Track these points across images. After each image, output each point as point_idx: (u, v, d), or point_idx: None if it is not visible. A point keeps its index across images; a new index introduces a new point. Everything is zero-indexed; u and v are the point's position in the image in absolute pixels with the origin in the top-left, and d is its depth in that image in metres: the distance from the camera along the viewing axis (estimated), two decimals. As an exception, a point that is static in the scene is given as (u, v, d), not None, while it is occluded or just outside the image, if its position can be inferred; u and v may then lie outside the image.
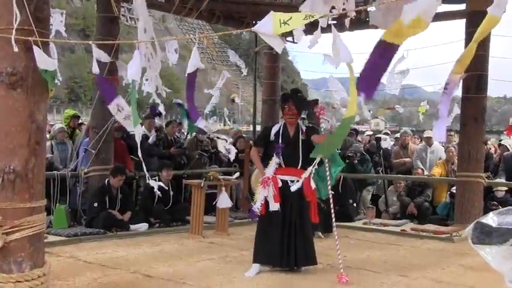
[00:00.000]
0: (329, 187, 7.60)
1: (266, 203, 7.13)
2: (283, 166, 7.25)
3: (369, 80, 4.79)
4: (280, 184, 7.16)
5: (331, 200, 7.44)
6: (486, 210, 9.99)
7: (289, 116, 7.37)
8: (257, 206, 7.19)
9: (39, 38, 4.66)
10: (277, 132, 7.41)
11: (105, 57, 5.55)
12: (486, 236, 2.97)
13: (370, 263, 7.86)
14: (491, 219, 3.01)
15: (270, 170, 7.22)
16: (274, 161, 7.25)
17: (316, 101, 8.79)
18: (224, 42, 76.17)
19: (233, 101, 16.52)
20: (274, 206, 7.09)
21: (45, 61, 4.70)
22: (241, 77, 60.02)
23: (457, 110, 11.23)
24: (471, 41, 4.59)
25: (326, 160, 7.37)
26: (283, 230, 7.16)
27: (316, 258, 7.33)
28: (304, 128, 7.36)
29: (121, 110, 6.00)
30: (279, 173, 7.21)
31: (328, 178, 7.68)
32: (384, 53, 4.66)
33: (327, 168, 7.51)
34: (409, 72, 9.94)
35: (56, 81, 7.70)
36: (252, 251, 7.35)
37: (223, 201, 9.72)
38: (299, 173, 7.16)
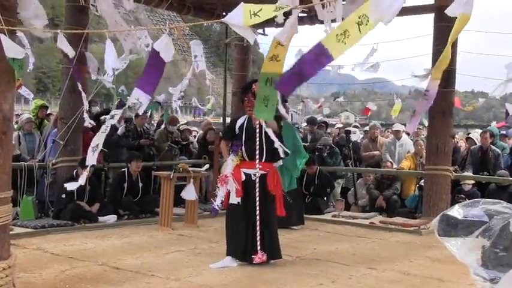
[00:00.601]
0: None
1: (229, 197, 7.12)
2: (247, 159, 7.23)
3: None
4: (243, 178, 7.14)
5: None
6: (453, 204, 10.09)
7: (249, 108, 7.27)
8: (217, 203, 7.18)
9: (5, 26, 4.58)
10: (242, 125, 7.37)
11: (70, 51, 5.45)
12: (452, 228, 2.99)
13: (339, 255, 7.90)
14: (456, 211, 3.04)
15: (228, 168, 7.19)
16: (230, 158, 7.23)
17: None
18: (195, 34, 75.79)
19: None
20: (234, 200, 7.08)
21: (13, 49, 4.61)
22: (211, 69, 59.85)
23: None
24: (447, 44, 4.61)
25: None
26: (247, 224, 7.14)
27: (281, 251, 7.35)
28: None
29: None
30: (242, 167, 7.19)
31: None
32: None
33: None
34: (380, 66, 10.01)
35: (29, 69, 7.58)
36: (220, 243, 7.36)
37: (189, 193, 9.65)
38: (264, 166, 7.14)
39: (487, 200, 2.98)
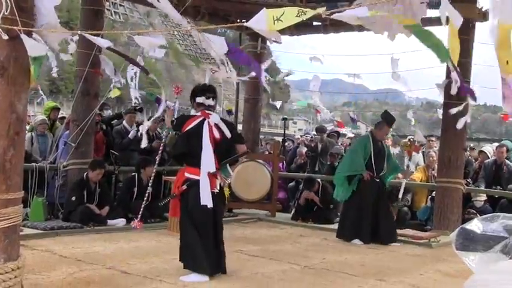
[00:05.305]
0: None
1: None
2: None
3: None
4: None
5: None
6: (464, 219, 10.03)
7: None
8: None
9: (22, 27, 4.57)
10: None
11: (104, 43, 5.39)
12: (470, 242, 2.94)
13: (348, 266, 7.84)
14: (475, 225, 2.99)
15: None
16: None
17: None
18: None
19: (229, 113, 16.36)
20: None
21: (36, 47, 4.61)
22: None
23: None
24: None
25: None
26: None
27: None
28: None
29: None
30: None
31: None
32: None
33: None
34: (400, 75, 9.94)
35: (54, 69, 7.67)
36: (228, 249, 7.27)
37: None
38: None
39: (507, 215, 2.93)
